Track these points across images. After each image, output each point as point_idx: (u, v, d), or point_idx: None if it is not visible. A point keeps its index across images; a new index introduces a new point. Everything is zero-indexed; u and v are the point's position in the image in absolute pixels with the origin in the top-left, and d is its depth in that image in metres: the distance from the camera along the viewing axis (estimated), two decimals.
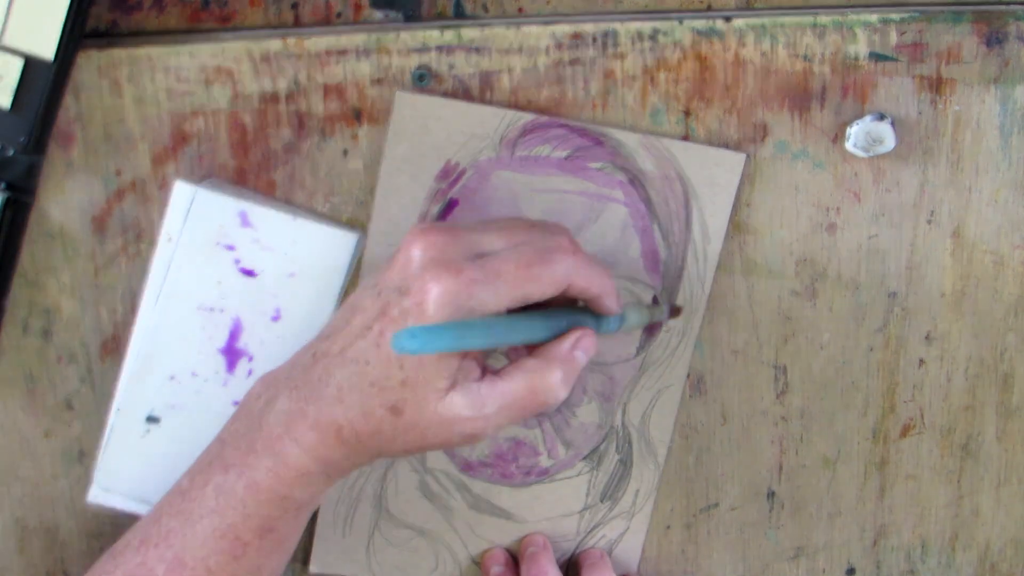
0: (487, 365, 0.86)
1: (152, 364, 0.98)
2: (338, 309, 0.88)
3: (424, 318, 0.78)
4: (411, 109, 0.96)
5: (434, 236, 0.81)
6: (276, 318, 0.99)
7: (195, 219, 0.96)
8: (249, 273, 0.98)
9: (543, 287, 0.82)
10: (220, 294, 0.98)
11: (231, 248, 0.97)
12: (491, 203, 0.97)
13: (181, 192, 0.96)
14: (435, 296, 0.78)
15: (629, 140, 0.96)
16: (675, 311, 0.99)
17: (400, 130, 0.96)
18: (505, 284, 0.80)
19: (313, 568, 1.04)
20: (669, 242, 0.97)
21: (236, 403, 0.99)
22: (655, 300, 0.98)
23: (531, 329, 0.84)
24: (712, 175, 0.96)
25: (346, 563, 1.04)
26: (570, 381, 0.85)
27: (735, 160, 0.96)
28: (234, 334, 0.99)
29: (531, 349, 0.86)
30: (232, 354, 0.99)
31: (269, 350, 0.99)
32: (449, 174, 0.97)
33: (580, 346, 0.86)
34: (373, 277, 0.85)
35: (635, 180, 0.96)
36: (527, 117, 0.95)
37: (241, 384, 0.99)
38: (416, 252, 0.81)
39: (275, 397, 0.86)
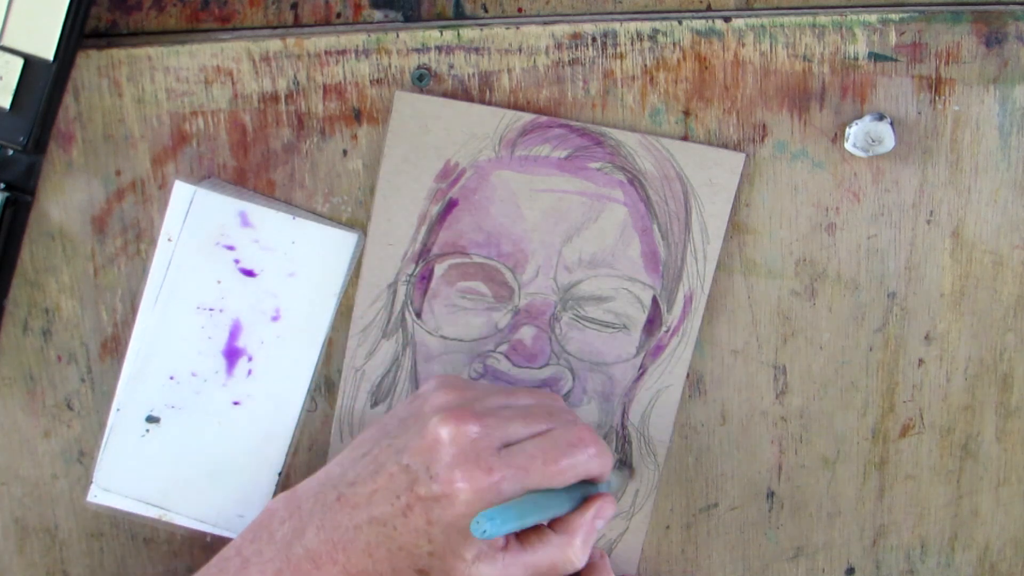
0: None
1: (152, 364, 0.98)
2: (353, 445, 0.91)
3: (454, 511, 0.83)
4: (411, 109, 0.96)
5: (464, 424, 0.85)
6: (276, 318, 0.99)
7: (195, 219, 0.96)
8: (249, 273, 0.98)
9: (566, 479, 0.86)
10: (220, 294, 0.98)
11: (231, 248, 0.97)
12: (491, 203, 0.97)
13: (181, 192, 0.96)
14: (466, 494, 0.83)
15: (628, 140, 0.96)
16: (632, 472, 1.02)
17: (400, 130, 0.96)
18: (532, 480, 0.85)
19: None
20: (669, 242, 0.97)
21: (236, 403, 0.99)
22: (620, 464, 1.02)
23: (560, 506, 0.88)
24: (711, 175, 0.96)
25: None
26: (588, 548, 0.90)
27: (734, 160, 0.96)
28: (234, 334, 0.99)
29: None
30: (232, 354, 0.99)
31: (269, 350, 0.99)
32: (449, 174, 0.97)
33: (600, 515, 0.90)
34: (393, 428, 0.89)
35: (635, 180, 0.96)
36: (527, 117, 0.96)
37: (241, 384, 0.99)
38: (445, 436, 0.84)
39: (302, 530, 0.88)
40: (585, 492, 0.90)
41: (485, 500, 0.82)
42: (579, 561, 0.88)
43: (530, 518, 0.84)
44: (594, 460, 0.87)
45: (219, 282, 0.97)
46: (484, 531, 0.80)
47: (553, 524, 0.89)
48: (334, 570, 0.86)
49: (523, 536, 0.88)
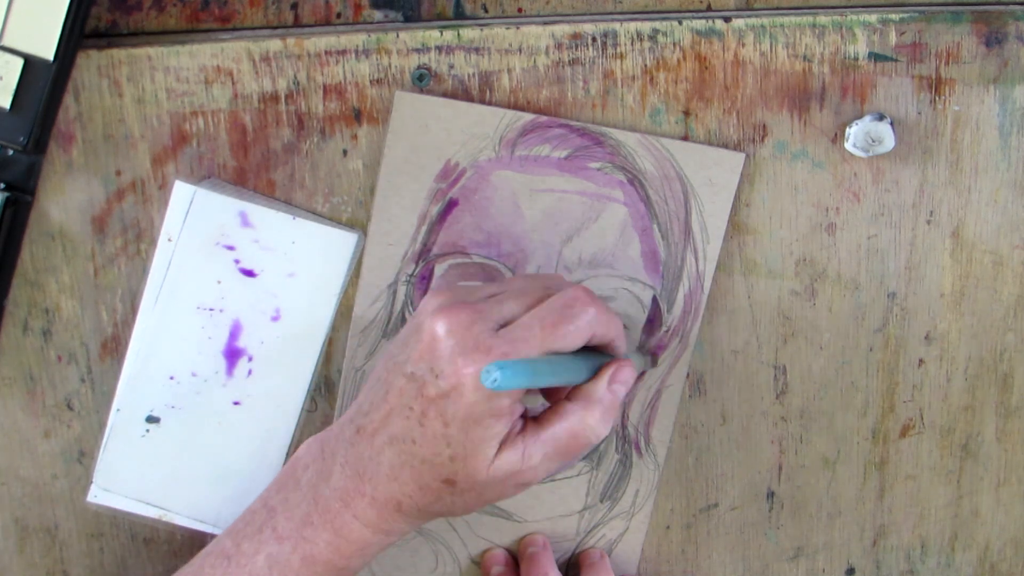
0: (527, 410, 0.87)
1: (152, 364, 0.98)
2: (366, 383, 0.89)
3: (464, 402, 0.81)
4: (410, 109, 0.96)
5: (457, 314, 0.83)
6: (276, 318, 0.99)
7: (195, 219, 0.96)
8: (249, 273, 0.98)
9: (569, 343, 0.84)
10: (220, 294, 0.98)
11: (231, 248, 0.97)
12: (491, 203, 0.97)
13: (181, 192, 0.96)
14: (471, 380, 0.81)
15: (628, 140, 0.96)
16: (655, 359, 1.01)
17: (399, 130, 0.96)
18: (532, 350, 0.82)
19: None
20: (669, 242, 0.97)
21: (236, 403, 0.99)
22: (645, 350, 1.00)
23: (576, 370, 0.86)
24: (711, 175, 0.96)
25: None
26: (610, 418, 0.87)
27: (734, 159, 0.96)
28: (234, 334, 0.99)
29: (568, 391, 0.88)
30: (232, 354, 0.99)
31: (269, 350, 0.99)
32: (449, 174, 0.97)
33: (617, 379, 0.88)
34: (396, 350, 0.86)
35: (634, 180, 0.96)
36: (526, 117, 0.96)
37: (241, 384, 0.99)
38: (441, 331, 0.82)
39: (328, 472, 0.87)
40: (601, 361, 0.88)
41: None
42: (601, 428, 0.86)
43: (542, 377, 0.81)
44: (597, 320, 0.85)
45: (219, 282, 0.98)
46: (494, 380, 0.76)
47: (570, 395, 0.87)
48: (362, 503, 0.85)
49: (540, 416, 0.86)
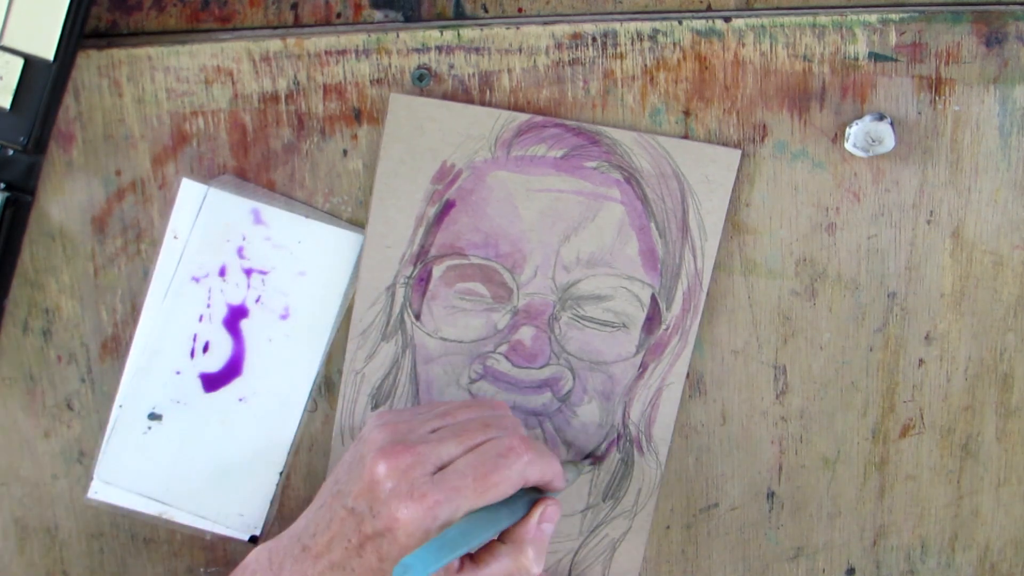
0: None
1: (156, 360, 0.98)
2: (317, 497, 0.92)
3: (397, 544, 0.85)
4: (406, 111, 0.96)
5: (396, 457, 0.86)
6: (285, 316, 0.99)
7: (206, 217, 0.96)
8: (259, 271, 0.98)
9: (501, 493, 0.86)
10: (228, 291, 0.98)
11: (241, 246, 0.97)
12: (488, 204, 0.97)
13: (189, 190, 0.96)
14: (404, 525, 0.84)
15: (624, 138, 0.96)
16: (596, 461, 1.02)
17: (395, 132, 0.96)
18: (466, 499, 0.85)
19: None
20: (666, 240, 0.97)
21: (241, 399, 0.99)
22: (580, 460, 1.02)
23: (500, 521, 0.88)
24: (708, 172, 0.96)
25: None
26: (542, 554, 0.91)
27: (731, 156, 0.96)
28: (241, 331, 0.99)
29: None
30: (238, 351, 0.99)
31: (276, 348, 0.99)
32: (445, 175, 0.97)
33: (545, 519, 0.90)
34: (341, 474, 0.90)
35: (631, 178, 0.96)
36: (522, 117, 0.96)
37: (247, 382, 0.99)
38: (380, 473, 0.86)
39: None
40: (533, 498, 0.90)
41: (424, 527, 0.84)
42: (534, 568, 0.89)
43: (462, 546, 0.84)
44: (531, 467, 0.87)
45: (228, 279, 0.98)
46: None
47: (504, 536, 0.89)
48: None
49: (477, 555, 0.89)
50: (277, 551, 0.91)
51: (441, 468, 0.86)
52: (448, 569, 0.87)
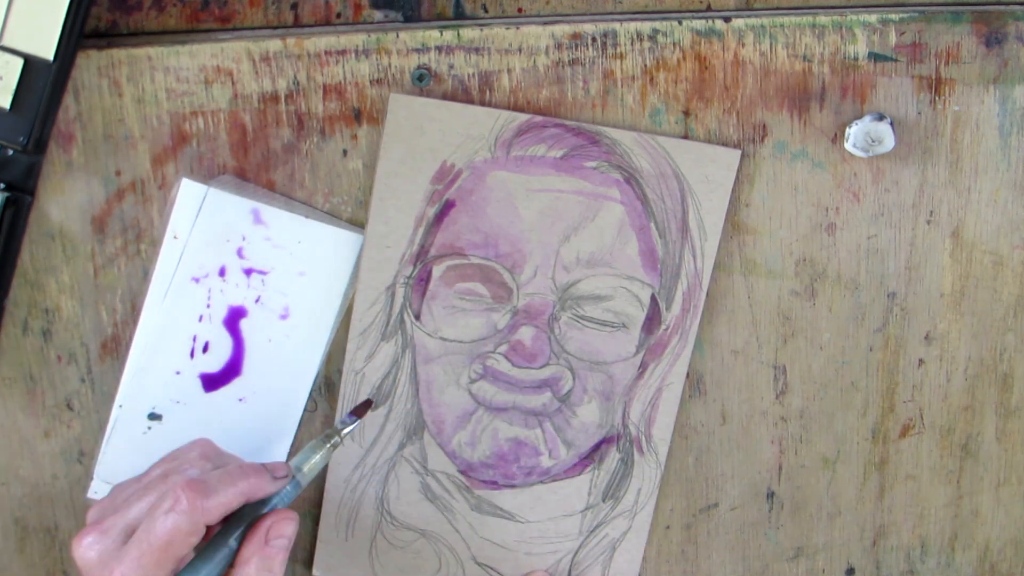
0: None
1: (156, 360, 0.98)
2: None
3: None
4: (406, 111, 0.96)
5: (83, 539, 0.86)
6: (285, 316, 0.99)
7: (206, 217, 0.96)
8: (259, 271, 0.98)
9: (185, 546, 0.85)
10: (228, 291, 0.98)
11: (241, 246, 0.97)
12: (487, 204, 0.97)
13: (189, 190, 0.96)
14: None
15: (624, 138, 0.96)
16: (361, 407, 0.99)
17: (395, 132, 0.96)
18: (151, 564, 0.85)
19: (316, 572, 1.04)
20: (666, 240, 0.97)
21: (241, 399, 1.00)
22: (333, 432, 0.96)
23: (221, 558, 0.87)
24: (707, 172, 0.96)
25: (349, 566, 1.04)
26: (278, 568, 0.88)
27: (730, 156, 0.96)
28: (241, 331, 0.99)
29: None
30: (238, 351, 0.99)
31: (276, 348, 0.99)
32: (445, 175, 0.97)
33: (275, 534, 0.88)
34: None
35: (631, 178, 0.96)
36: (522, 117, 0.96)
37: (247, 382, 0.99)
38: (80, 553, 0.86)
39: None
40: (260, 515, 0.89)
41: None
42: None
43: None
44: (205, 508, 0.85)
45: (228, 279, 0.98)
46: None
47: (235, 559, 0.88)
48: None
49: None
50: None
51: (132, 534, 0.86)
52: None
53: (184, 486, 0.85)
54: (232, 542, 0.87)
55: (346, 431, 0.95)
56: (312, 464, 0.93)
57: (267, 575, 0.87)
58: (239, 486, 0.87)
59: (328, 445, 0.94)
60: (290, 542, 0.89)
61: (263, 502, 0.89)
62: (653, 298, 0.98)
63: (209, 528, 0.86)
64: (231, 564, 0.88)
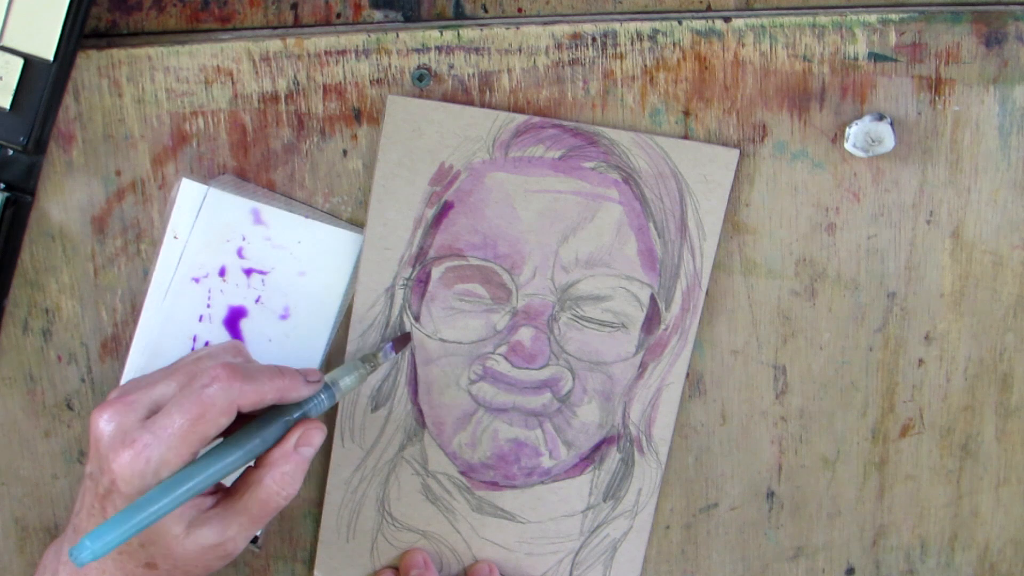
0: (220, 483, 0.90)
1: (156, 360, 0.98)
2: None
3: (122, 496, 0.84)
4: (403, 112, 0.96)
5: (107, 409, 0.86)
6: (285, 316, 0.99)
7: (206, 217, 0.96)
8: (259, 271, 0.98)
9: (213, 425, 0.85)
10: (228, 291, 0.98)
11: (241, 246, 0.97)
12: (486, 205, 0.97)
13: (189, 190, 0.96)
14: (120, 475, 0.84)
15: (622, 139, 0.96)
16: (401, 340, 0.99)
17: (393, 134, 0.96)
18: (177, 436, 0.84)
19: (318, 573, 1.04)
20: (665, 239, 0.97)
21: None
22: (371, 356, 0.97)
23: (249, 450, 0.87)
24: (706, 171, 0.96)
25: (350, 567, 1.04)
26: (299, 475, 0.89)
27: (729, 156, 0.96)
28: (241, 331, 0.99)
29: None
30: None
31: (277, 347, 0.99)
32: (443, 177, 0.97)
33: (303, 443, 0.89)
34: (89, 449, 0.88)
35: (629, 179, 0.96)
36: (520, 118, 0.96)
37: None
38: (96, 429, 0.86)
39: (55, 572, 0.90)
40: (291, 421, 0.89)
41: (139, 472, 0.83)
42: (289, 488, 0.88)
43: (153, 513, 0.82)
44: (240, 392, 0.86)
45: (228, 279, 0.98)
46: (82, 560, 0.79)
47: (259, 461, 0.89)
48: None
49: (234, 486, 0.89)
50: (60, 541, 0.92)
51: (156, 411, 0.85)
52: (200, 507, 0.87)
53: (222, 366, 0.86)
54: (262, 437, 0.88)
55: (384, 360, 0.97)
56: (346, 382, 0.94)
57: (290, 480, 0.88)
58: (275, 382, 0.88)
59: (364, 367, 0.95)
60: (315, 452, 0.90)
61: (294, 407, 0.90)
62: (652, 298, 0.98)
63: (236, 420, 0.86)
64: (253, 461, 0.88)
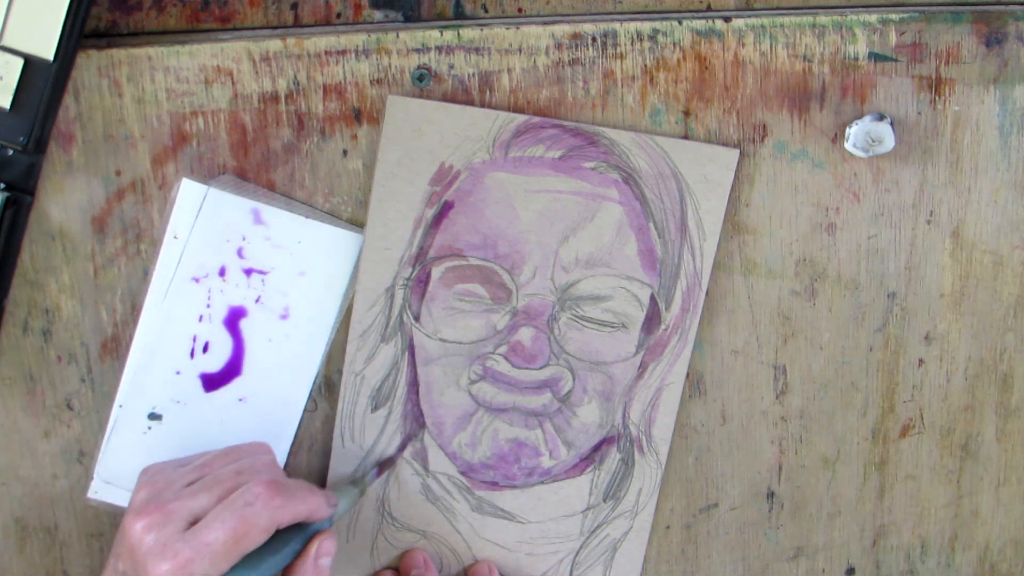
0: None
1: (156, 360, 0.98)
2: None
3: None
4: (403, 113, 0.96)
5: (148, 516, 0.88)
6: (285, 316, 0.99)
7: (206, 217, 0.96)
8: (259, 271, 0.98)
9: (253, 541, 0.88)
10: (228, 291, 0.98)
11: (241, 246, 0.97)
12: (486, 205, 0.97)
13: (189, 190, 0.96)
14: None
15: (622, 139, 0.96)
16: (385, 465, 1.02)
17: (393, 134, 0.96)
18: (220, 553, 0.86)
19: None
20: (665, 240, 0.97)
21: (241, 399, 1.00)
22: (360, 479, 1.01)
23: (274, 564, 0.90)
24: (706, 171, 0.96)
25: (350, 567, 1.04)
26: None
27: (729, 156, 0.96)
28: (241, 331, 0.99)
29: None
30: (238, 351, 0.99)
31: (276, 348, 0.99)
32: (443, 177, 0.97)
33: (321, 554, 0.92)
34: (118, 538, 0.90)
35: (629, 179, 0.96)
36: (520, 118, 0.96)
37: (247, 382, 0.99)
38: (136, 534, 0.87)
39: None
40: (309, 534, 0.91)
41: None
42: None
43: None
44: (280, 510, 0.88)
45: (228, 279, 0.98)
46: None
47: (285, 571, 0.91)
48: None
49: None
50: None
51: (195, 522, 0.87)
52: None
53: (265, 484, 0.88)
54: (289, 550, 0.90)
55: (369, 484, 1.00)
56: (343, 506, 0.96)
57: None
58: (308, 502, 0.90)
59: (356, 491, 0.99)
60: (332, 556, 0.92)
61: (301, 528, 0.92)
62: (652, 298, 0.98)
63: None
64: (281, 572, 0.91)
